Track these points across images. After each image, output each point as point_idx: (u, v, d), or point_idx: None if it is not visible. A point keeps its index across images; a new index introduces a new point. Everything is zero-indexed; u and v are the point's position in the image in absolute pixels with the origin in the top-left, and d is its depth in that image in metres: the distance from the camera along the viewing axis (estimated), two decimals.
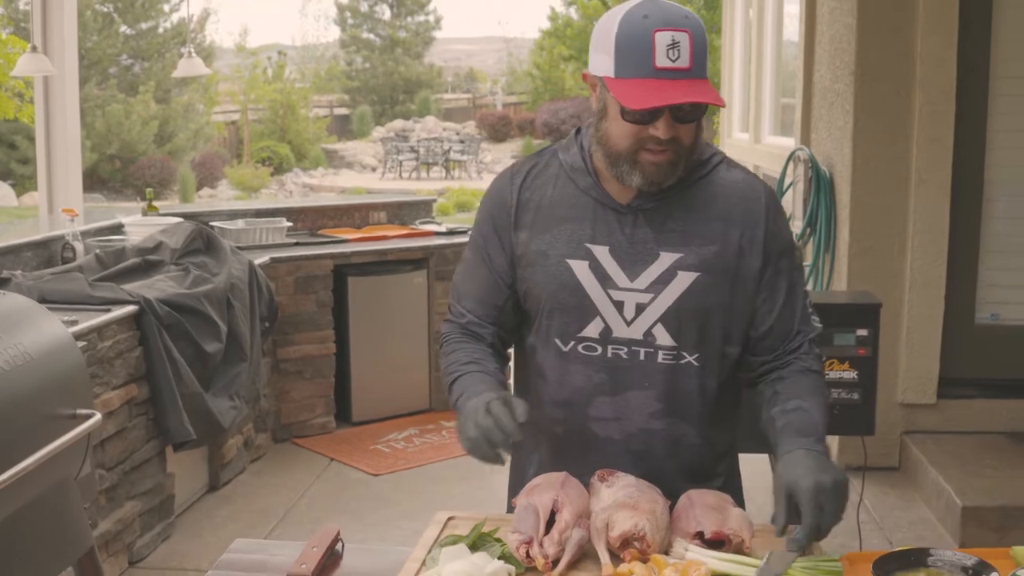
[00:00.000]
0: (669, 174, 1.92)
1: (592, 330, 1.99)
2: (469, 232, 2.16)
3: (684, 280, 1.96)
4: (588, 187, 2.01)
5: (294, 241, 6.21)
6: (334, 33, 45.57)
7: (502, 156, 31.33)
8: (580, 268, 1.98)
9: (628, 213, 1.98)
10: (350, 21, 40.67)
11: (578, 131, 2.07)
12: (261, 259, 5.55)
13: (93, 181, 24.76)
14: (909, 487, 4.94)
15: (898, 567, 1.73)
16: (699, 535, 1.80)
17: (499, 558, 1.74)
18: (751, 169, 2.28)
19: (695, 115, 1.88)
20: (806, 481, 1.79)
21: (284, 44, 43.55)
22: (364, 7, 40.38)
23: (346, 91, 39.31)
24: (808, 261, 5.45)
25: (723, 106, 1.85)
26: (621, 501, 1.78)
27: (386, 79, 39.10)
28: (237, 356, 4.86)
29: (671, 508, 1.89)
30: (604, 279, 1.97)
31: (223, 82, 32.74)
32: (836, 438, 5.12)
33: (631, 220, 1.98)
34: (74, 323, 3.73)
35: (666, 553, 1.79)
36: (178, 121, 27.95)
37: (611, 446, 2.02)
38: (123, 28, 29.15)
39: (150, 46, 29.27)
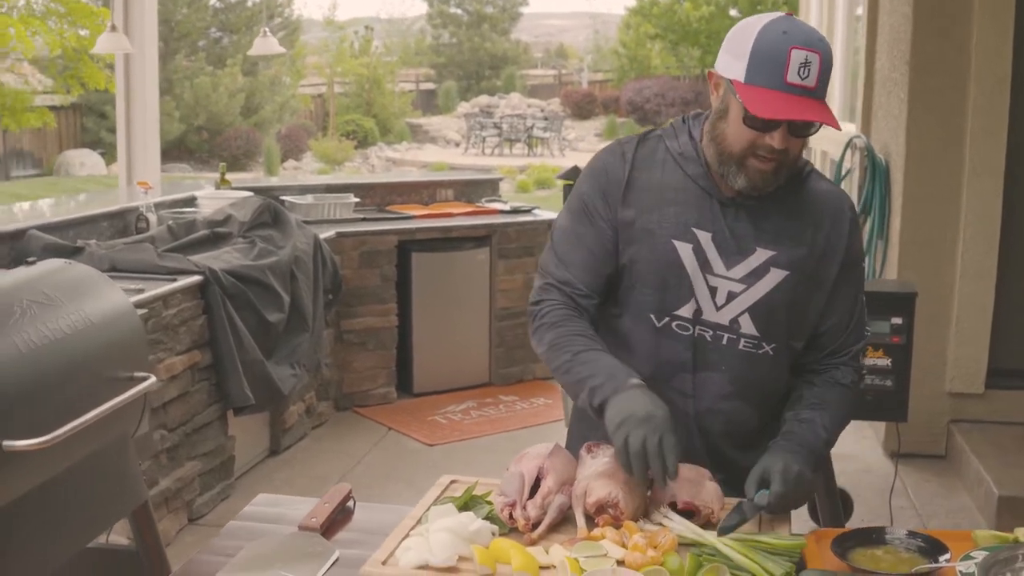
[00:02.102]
0: (772, 182, 2.05)
1: (687, 310, 2.10)
2: (568, 203, 2.19)
3: (775, 276, 2.09)
4: (697, 175, 2.11)
5: (361, 216, 6.38)
6: (422, 7, 45.75)
7: (585, 134, 31.25)
8: (684, 250, 2.09)
9: (731, 206, 2.10)
10: None
11: (684, 119, 2.18)
12: (327, 233, 5.72)
13: (180, 151, 25.31)
14: (953, 475, 4.97)
15: (857, 544, 1.85)
16: (672, 505, 1.93)
17: (486, 518, 1.89)
18: (816, 155, 2.40)
19: (807, 132, 2.00)
20: (779, 464, 1.97)
21: (372, 18, 43.91)
22: None
23: (432, 66, 39.51)
24: None
25: (839, 129, 1.98)
26: (600, 471, 1.91)
27: (472, 55, 39.22)
28: (299, 326, 5.05)
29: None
30: (704, 264, 2.09)
31: (311, 55, 33.07)
32: (882, 425, 5.18)
33: (732, 213, 2.10)
34: (140, 291, 3.95)
35: (646, 518, 1.92)
36: (264, 93, 28.33)
37: (683, 419, 2.13)
38: (212, 1, 29.60)
39: (238, 19, 29.67)
